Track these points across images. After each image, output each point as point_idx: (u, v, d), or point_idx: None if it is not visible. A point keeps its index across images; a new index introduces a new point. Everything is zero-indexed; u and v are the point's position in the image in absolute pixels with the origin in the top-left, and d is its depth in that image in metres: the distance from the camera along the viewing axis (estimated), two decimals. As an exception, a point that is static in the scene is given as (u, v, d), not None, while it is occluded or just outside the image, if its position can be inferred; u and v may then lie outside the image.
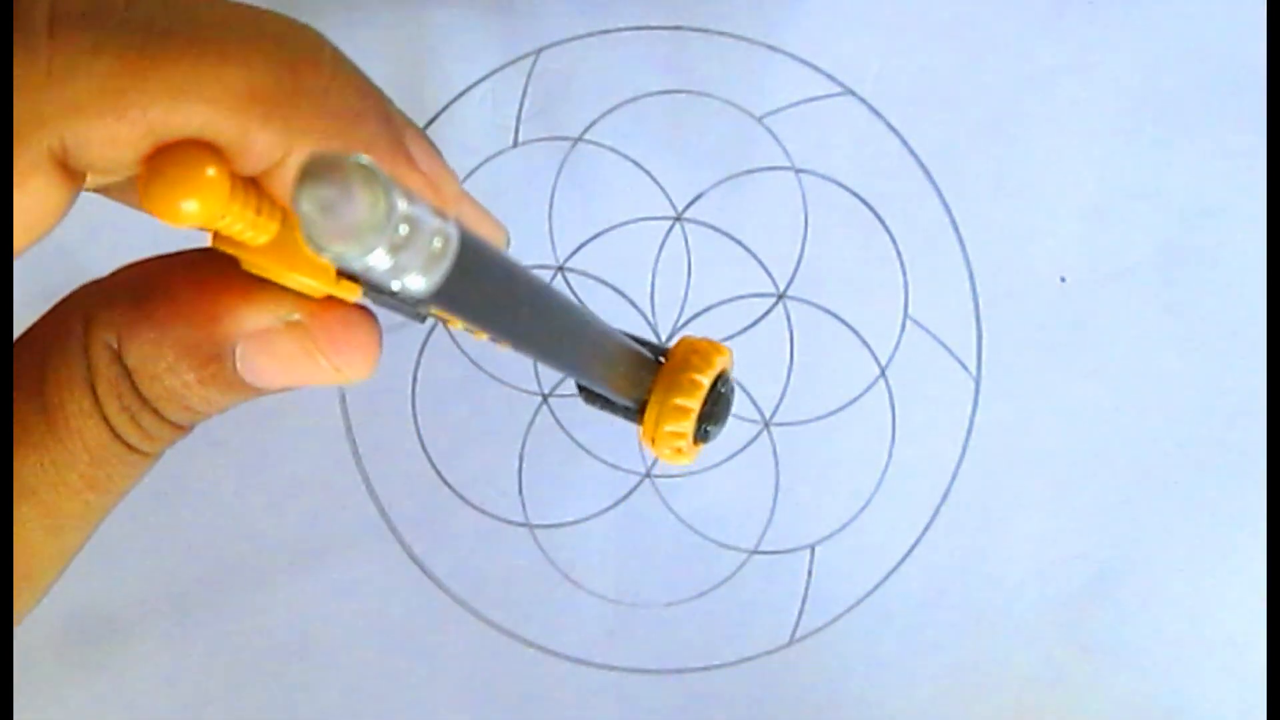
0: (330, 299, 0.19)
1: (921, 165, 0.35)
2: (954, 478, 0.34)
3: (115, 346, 0.19)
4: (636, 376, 0.23)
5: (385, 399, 0.34)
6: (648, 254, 0.34)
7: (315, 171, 0.13)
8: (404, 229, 0.13)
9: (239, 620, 0.34)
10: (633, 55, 0.34)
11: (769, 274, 0.34)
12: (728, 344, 0.35)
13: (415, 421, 0.34)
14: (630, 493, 0.34)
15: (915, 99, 0.35)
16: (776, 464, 0.34)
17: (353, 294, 0.18)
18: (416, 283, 0.14)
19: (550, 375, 0.34)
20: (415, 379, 0.34)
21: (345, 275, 0.18)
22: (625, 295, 0.34)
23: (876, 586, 0.34)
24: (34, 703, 0.33)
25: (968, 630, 0.34)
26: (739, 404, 0.34)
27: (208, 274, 0.19)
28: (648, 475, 0.34)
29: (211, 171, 0.16)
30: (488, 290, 0.17)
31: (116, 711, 0.33)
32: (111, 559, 0.33)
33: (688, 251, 0.34)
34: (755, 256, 0.34)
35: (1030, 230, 0.35)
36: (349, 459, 0.34)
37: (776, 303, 0.34)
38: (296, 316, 0.19)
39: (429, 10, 0.34)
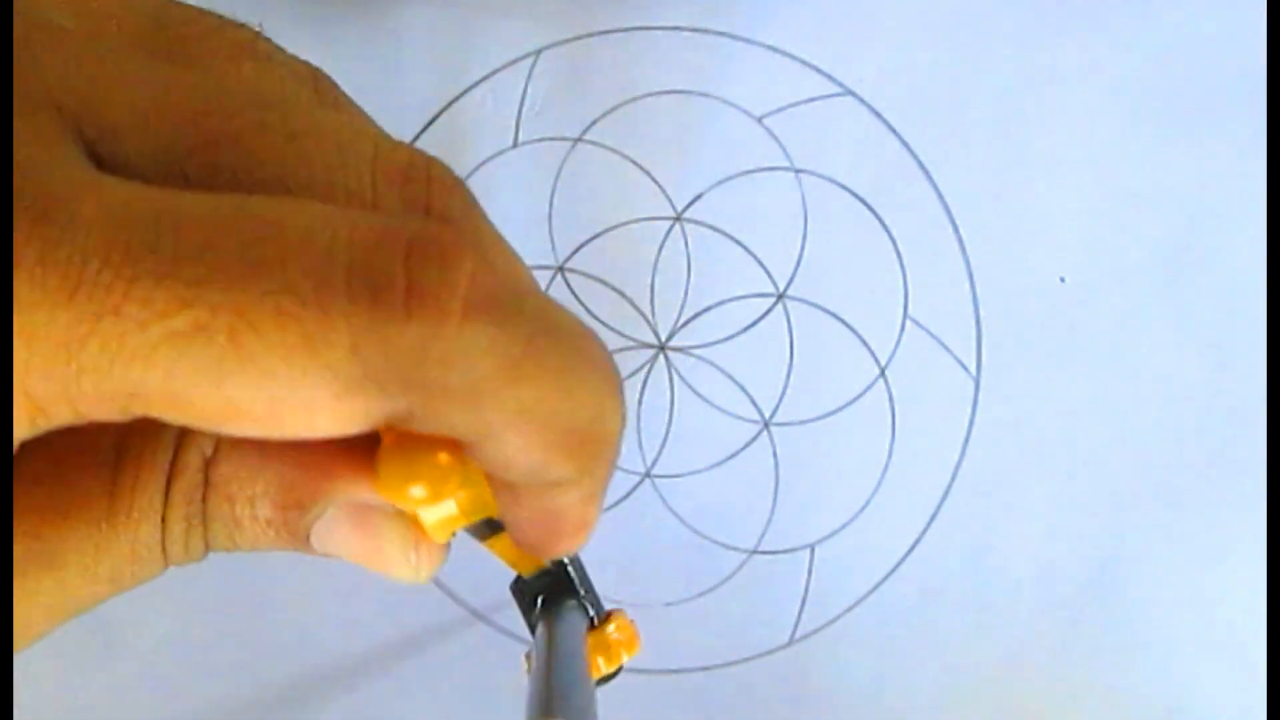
0: None
1: (921, 165, 0.35)
2: (954, 478, 0.34)
3: (208, 454, 0.18)
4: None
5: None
6: (648, 254, 0.34)
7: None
8: None
9: (239, 620, 0.33)
10: (633, 55, 0.34)
11: (769, 274, 0.34)
12: (727, 344, 0.35)
13: (415, 421, 0.34)
14: (630, 493, 0.34)
15: (915, 99, 0.35)
16: (776, 464, 0.34)
17: (446, 535, 0.19)
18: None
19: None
20: (415, 379, 0.34)
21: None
22: (625, 295, 0.34)
23: (876, 586, 0.34)
24: (34, 703, 0.33)
25: (968, 630, 0.34)
26: (739, 404, 0.34)
27: None
28: (647, 475, 0.34)
29: (444, 459, 0.16)
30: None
31: (116, 711, 0.33)
32: (111, 559, 0.33)
33: (688, 251, 0.34)
34: (755, 257, 0.34)
35: (1030, 230, 0.35)
36: (349, 459, 0.34)
37: (776, 303, 0.34)
38: (366, 501, 0.18)
39: (429, 10, 0.34)
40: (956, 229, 0.35)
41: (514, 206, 0.34)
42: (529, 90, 0.34)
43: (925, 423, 0.34)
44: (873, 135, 0.35)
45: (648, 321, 0.34)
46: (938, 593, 0.34)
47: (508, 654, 0.34)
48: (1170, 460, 0.35)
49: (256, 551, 0.19)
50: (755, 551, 0.34)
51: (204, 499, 0.18)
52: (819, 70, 0.35)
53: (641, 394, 0.34)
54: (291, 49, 0.20)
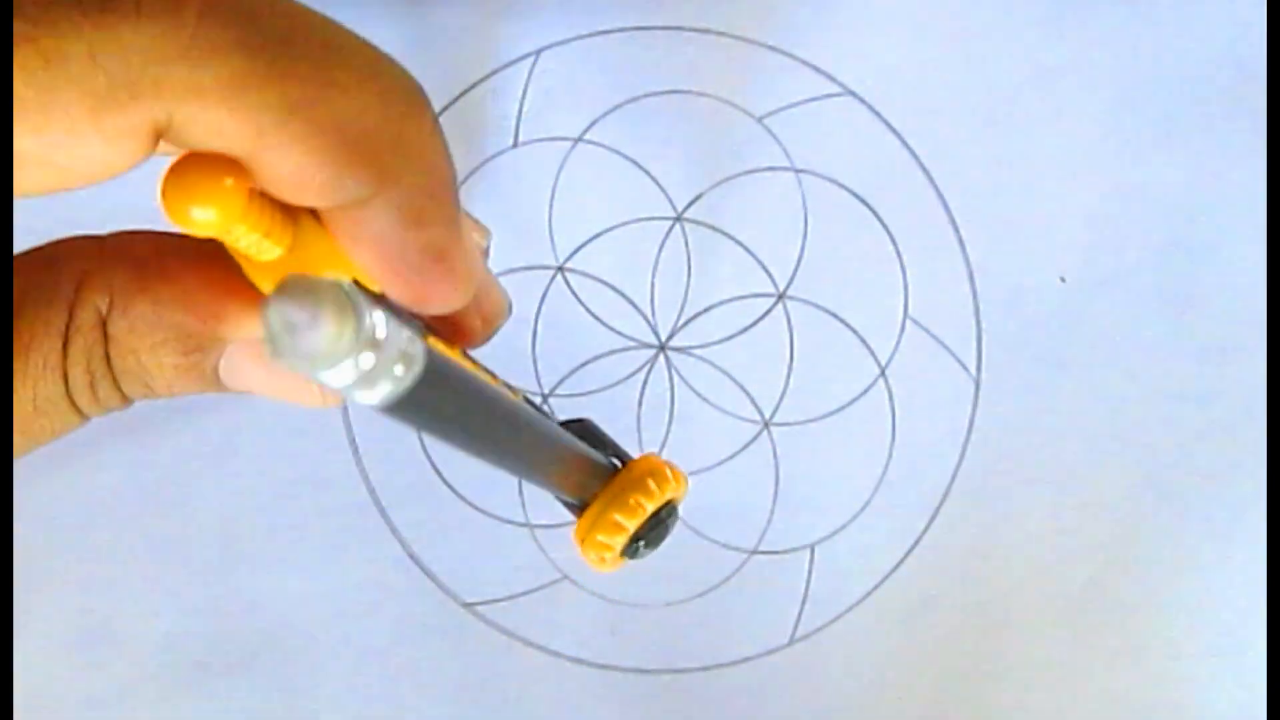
0: None
1: (921, 165, 0.35)
2: (954, 478, 0.34)
3: (103, 312, 0.18)
4: (585, 482, 0.23)
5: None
6: (648, 254, 0.34)
7: (290, 292, 0.13)
8: (367, 360, 0.14)
9: (239, 620, 0.33)
10: (633, 55, 0.34)
11: (769, 274, 0.34)
12: (727, 344, 0.35)
13: (415, 421, 0.34)
14: (630, 493, 0.34)
15: (915, 99, 0.35)
16: (776, 464, 0.34)
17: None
18: (370, 399, 0.14)
19: (550, 375, 0.34)
20: (415, 379, 0.34)
21: None
22: (625, 295, 0.34)
23: (876, 586, 0.34)
24: (34, 703, 0.33)
25: (968, 630, 0.34)
26: (739, 404, 0.34)
27: (215, 267, 0.19)
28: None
29: (229, 182, 0.16)
30: (440, 411, 0.17)
31: (116, 711, 0.33)
32: (111, 559, 0.33)
33: (688, 251, 0.34)
34: (755, 256, 0.34)
35: (1030, 230, 0.35)
36: (349, 459, 0.34)
37: (776, 303, 0.34)
38: None
39: (429, 10, 0.34)
40: (956, 229, 0.35)
41: (514, 206, 0.34)
42: (529, 90, 0.34)
43: (925, 423, 0.34)
44: (873, 135, 0.35)
45: (648, 321, 0.34)
46: (937, 593, 0.34)
47: (508, 654, 0.34)
48: (1170, 460, 0.35)
49: (174, 396, 0.20)
50: (755, 551, 0.34)
51: (106, 354, 0.18)
52: (819, 70, 0.35)
53: (642, 394, 0.34)
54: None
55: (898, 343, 0.35)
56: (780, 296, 0.34)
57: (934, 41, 0.35)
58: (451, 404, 0.17)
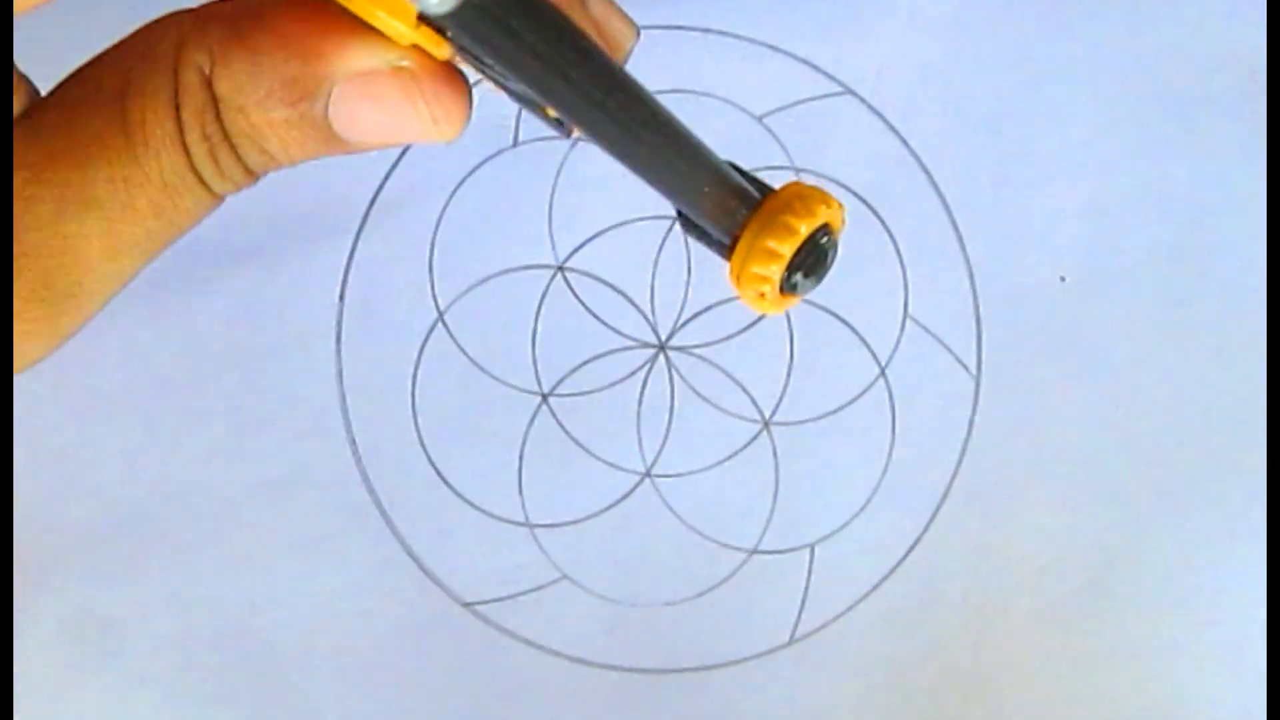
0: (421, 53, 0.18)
1: (921, 165, 0.35)
2: (954, 477, 0.34)
3: (207, 72, 0.18)
4: (728, 205, 0.21)
5: (385, 399, 0.34)
6: (648, 254, 0.34)
7: None
8: None
9: (238, 620, 0.33)
10: (632, 55, 0.34)
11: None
12: (727, 344, 0.35)
13: (415, 421, 0.34)
14: (630, 493, 0.34)
15: (915, 99, 0.35)
16: (776, 464, 0.34)
17: (439, 49, 0.18)
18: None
19: (550, 375, 0.34)
20: (415, 379, 0.34)
21: (425, 21, 0.17)
22: (625, 295, 0.34)
23: (876, 586, 0.34)
24: (34, 702, 0.33)
25: (968, 630, 0.34)
26: (739, 404, 0.34)
27: (310, 7, 0.18)
28: (647, 475, 0.34)
29: None
30: (527, 22, 0.15)
31: (116, 711, 0.33)
32: (111, 559, 0.33)
33: (688, 251, 0.34)
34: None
35: (1030, 230, 0.35)
36: (349, 459, 0.34)
37: (776, 303, 0.34)
38: (406, 62, 0.18)
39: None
40: (956, 229, 0.35)
41: (514, 206, 0.34)
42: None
43: (925, 423, 0.34)
44: (873, 135, 0.35)
45: (648, 321, 0.34)
46: (937, 593, 0.34)
47: (508, 654, 0.34)
48: (1170, 460, 0.35)
49: (294, 164, 0.19)
50: (755, 552, 0.34)
51: (218, 118, 0.18)
52: (819, 70, 0.35)
53: (641, 394, 0.34)
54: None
55: (898, 342, 0.35)
56: (780, 296, 0.34)
57: (934, 41, 0.35)
58: (536, 19, 0.16)
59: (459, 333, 0.34)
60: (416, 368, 0.34)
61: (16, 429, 0.33)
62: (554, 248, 0.34)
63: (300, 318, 0.34)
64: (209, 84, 0.18)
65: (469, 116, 0.20)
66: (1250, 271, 0.35)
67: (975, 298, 0.35)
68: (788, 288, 0.22)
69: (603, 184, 0.34)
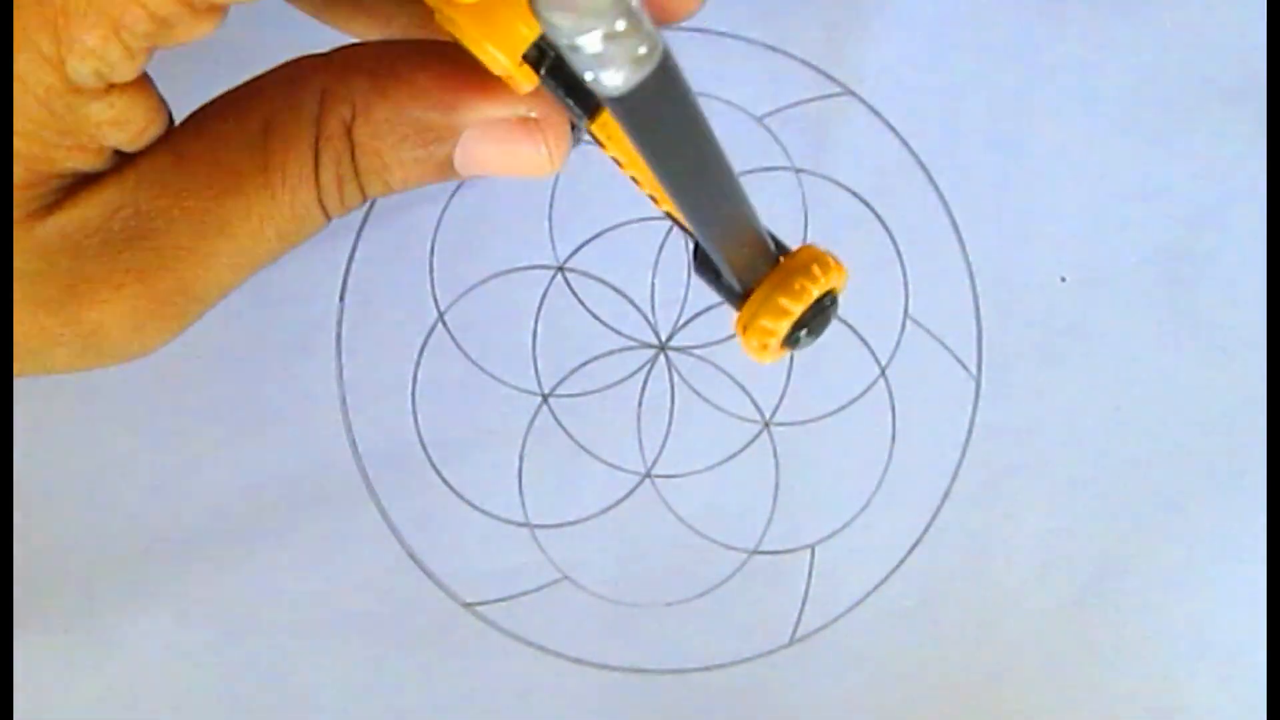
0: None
1: (921, 165, 0.35)
2: (954, 478, 0.34)
3: (348, 121, 0.20)
4: (754, 261, 0.23)
5: (385, 399, 0.34)
6: (648, 254, 0.34)
7: None
8: (623, 23, 0.14)
9: (238, 620, 0.33)
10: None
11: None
12: (727, 344, 0.35)
13: (415, 421, 0.34)
14: (630, 493, 0.34)
15: (915, 99, 0.35)
16: (776, 464, 0.34)
17: (529, 82, 0.19)
18: (614, 79, 0.14)
19: (550, 376, 0.34)
20: (415, 379, 0.34)
21: (529, 60, 0.19)
22: (625, 295, 0.34)
23: (876, 586, 0.34)
24: (34, 703, 0.33)
25: (968, 630, 0.34)
26: (739, 404, 0.34)
27: (444, 64, 0.21)
28: (648, 475, 0.34)
29: None
30: (668, 112, 0.17)
31: (116, 711, 0.33)
32: (111, 559, 0.33)
33: (688, 251, 0.34)
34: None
35: (1030, 230, 0.35)
36: (349, 459, 0.34)
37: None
38: (533, 114, 0.21)
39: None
40: (956, 229, 0.35)
41: (514, 206, 0.34)
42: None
43: (925, 423, 0.34)
44: (873, 135, 0.35)
45: (648, 321, 0.34)
46: (938, 593, 0.34)
47: (508, 654, 0.34)
48: (1170, 460, 0.35)
49: (409, 189, 0.22)
50: (755, 552, 0.34)
51: (353, 158, 0.21)
52: (819, 70, 0.35)
53: (642, 394, 0.34)
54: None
55: (898, 342, 0.35)
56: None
57: (934, 41, 0.35)
58: (678, 106, 0.17)
59: (459, 333, 0.34)
60: (416, 368, 0.34)
61: (17, 429, 0.33)
62: (554, 248, 0.34)
63: (300, 318, 0.34)
64: (349, 132, 0.20)
65: (570, 148, 0.23)
66: (1250, 271, 0.35)
67: (975, 298, 0.35)
68: (789, 342, 0.23)
69: (603, 184, 0.34)
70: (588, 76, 0.14)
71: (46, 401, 0.33)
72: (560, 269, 0.34)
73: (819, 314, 0.23)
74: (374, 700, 0.34)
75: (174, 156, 0.20)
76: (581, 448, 0.34)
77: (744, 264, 0.23)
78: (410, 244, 0.34)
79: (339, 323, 0.33)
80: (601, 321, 0.34)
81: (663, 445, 0.34)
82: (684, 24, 0.35)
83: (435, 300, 0.34)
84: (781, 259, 0.23)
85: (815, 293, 0.22)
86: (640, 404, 0.34)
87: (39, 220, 0.20)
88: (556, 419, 0.34)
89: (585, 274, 0.34)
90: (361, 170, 0.21)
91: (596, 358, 0.34)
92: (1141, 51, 0.35)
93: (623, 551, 0.34)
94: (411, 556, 0.34)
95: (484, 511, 0.34)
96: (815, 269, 0.22)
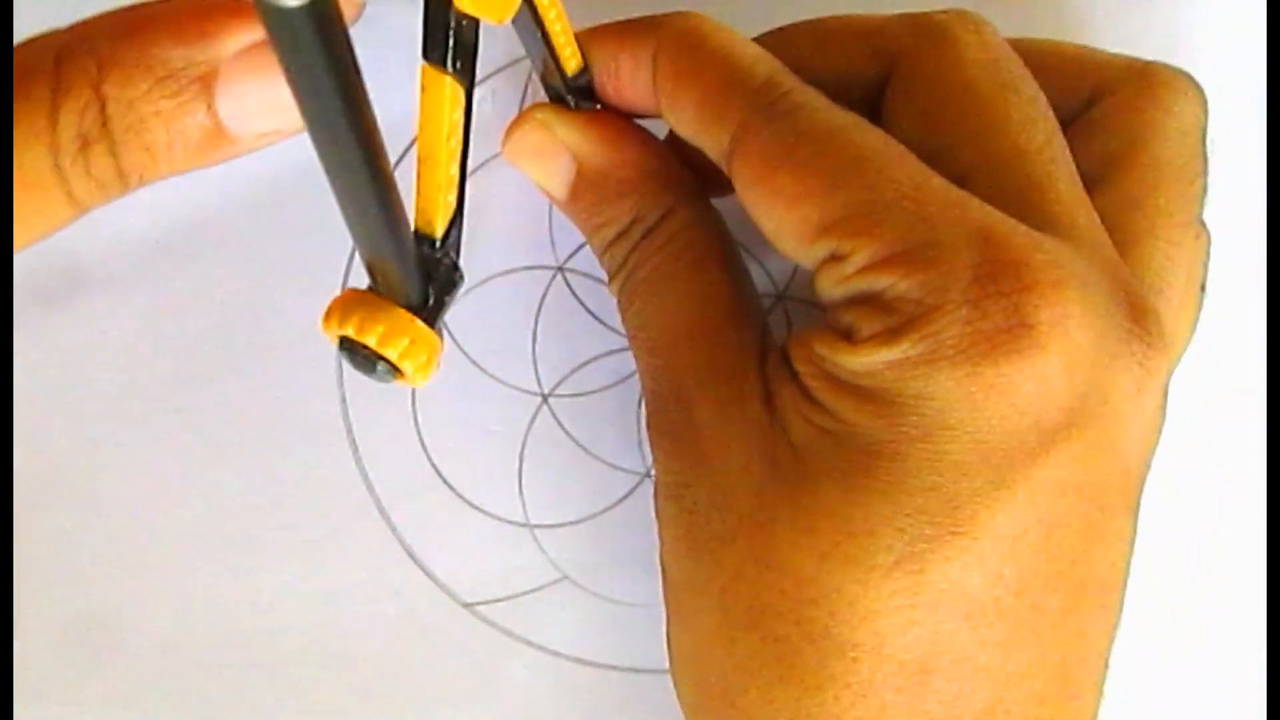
0: None
1: (921, 165, 0.35)
2: (954, 478, 0.34)
3: (94, 75, 0.18)
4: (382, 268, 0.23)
5: (385, 399, 0.34)
6: (648, 254, 0.34)
7: None
8: None
9: (238, 620, 0.34)
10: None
11: (769, 275, 0.34)
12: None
13: (415, 421, 0.34)
14: (630, 493, 0.34)
15: (915, 99, 0.35)
16: (776, 464, 0.34)
17: None
18: None
19: (550, 375, 0.34)
20: (415, 379, 0.34)
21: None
22: (625, 295, 0.34)
23: (876, 586, 0.34)
24: (34, 702, 0.33)
25: (968, 630, 0.34)
26: (739, 404, 0.34)
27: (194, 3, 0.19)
28: (648, 475, 0.34)
29: None
30: (314, 52, 0.16)
31: (117, 711, 0.33)
32: (111, 559, 0.33)
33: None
34: (755, 257, 0.34)
35: (1030, 230, 0.35)
36: (349, 459, 0.34)
37: (776, 303, 0.34)
38: None
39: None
40: (956, 229, 0.35)
41: (514, 206, 0.34)
42: (529, 90, 0.34)
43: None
44: (873, 135, 0.35)
45: (648, 321, 0.34)
46: (938, 593, 0.34)
47: (508, 654, 0.34)
48: (1170, 460, 0.35)
49: (176, 170, 0.19)
50: (755, 551, 0.34)
51: (103, 115, 0.18)
52: (819, 70, 0.35)
53: (642, 394, 0.34)
54: None
55: (898, 343, 0.34)
56: (780, 297, 0.34)
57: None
58: (324, 54, 0.17)
59: (459, 333, 0.34)
60: (416, 368, 0.34)
61: (16, 429, 0.33)
62: (554, 248, 0.34)
63: (300, 318, 0.34)
64: (96, 87, 0.18)
65: None
66: (1250, 271, 0.35)
67: (975, 298, 0.35)
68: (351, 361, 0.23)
69: (603, 184, 0.34)
70: None
71: (47, 401, 0.33)
72: (560, 269, 0.34)
73: (351, 352, 0.23)
74: (374, 700, 0.34)
75: None
76: (581, 448, 0.34)
77: (364, 252, 0.22)
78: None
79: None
80: (601, 321, 0.34)
81: (663, 445, 0.34)
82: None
83: (435, 300, 0.34)
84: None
85: (334, 328, 0.22)
86: (640, 404, 0.34)
87: None
88: (556, 419, 0.34)
89: (585, 274, 0.34)
90: (116, 131, 0.18)
91: (596, 358, 0.34)
92: (1141, 52, 0.35)
93: (623, 551, 0.34)
94: (411, 557, 0.34)
95: (484, 511, 0.34)
96: (333, 311, 0.22)
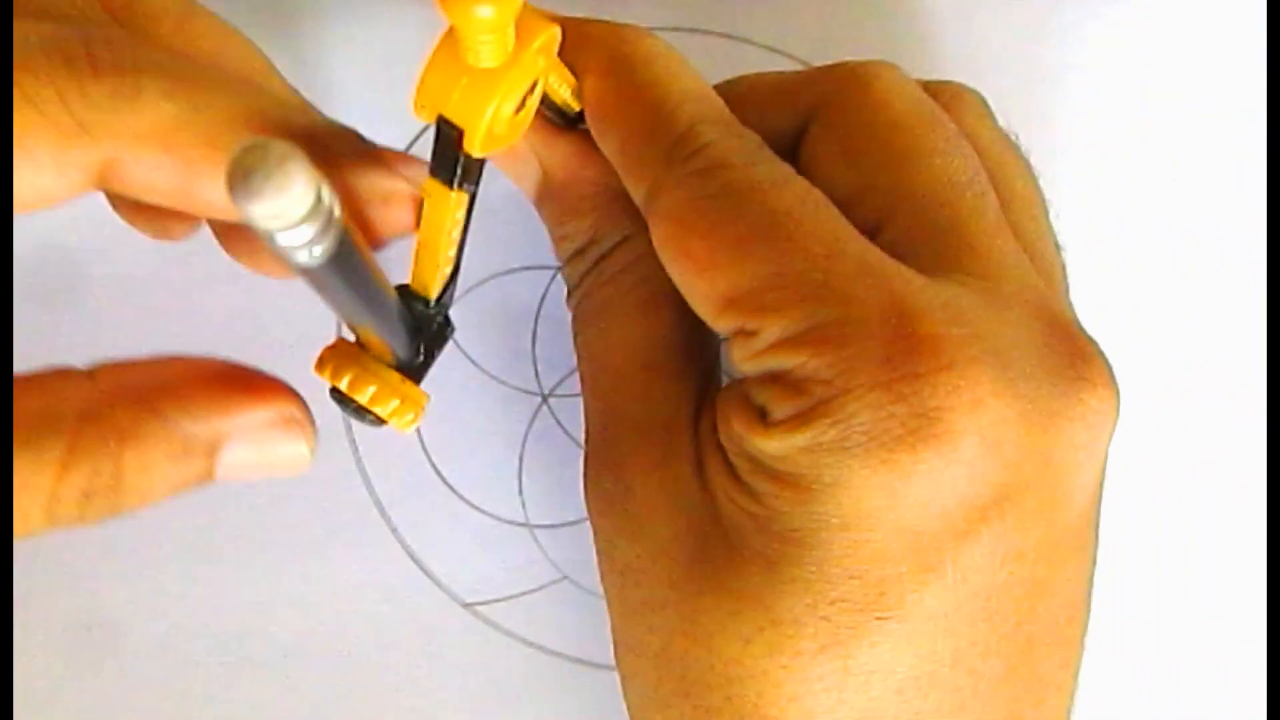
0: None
1: (921, 165, 0.35)
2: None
3: (113, 447, 0.20)
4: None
5: (385, 399, 0.34)
6: (648, 254, 0.34)
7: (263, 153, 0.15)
8: (314, 228, 0.16)
9: (238, 620, 0.34)
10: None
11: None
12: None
13: (415, 421, 0.34)
14: (630, 493, 0.34)
15: (915, 99, 0.35)
16: (776, 464, 0.34)
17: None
18: (301, 258, 0.16)
19: (550, 375, 0.34)
20: (415, 379, 0.34)
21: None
22: (625, 295, 0.34)
23: (876, 586, 0.34)
24: (34, 703, 0.33)
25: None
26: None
27: (206, 372, 0.21)
28: (648, 475, 0.34)
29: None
30: (343, 273, 0.18)
31: (117, 711, 0.33)
32: (111, 559, 0.33)
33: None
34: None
35: (1030, 230, 0.35)
36: (349, 459, 0.34)
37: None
38: (296, 413, 0.21)
39: (430, 10, 0.34)
40: (956, 229, 0.35)
41: (514, 207, 0.34)
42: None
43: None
44: (873, 135, 0.35)
45: (648, 321, 0.34)
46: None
47: (508, 654, 0.34)
48: (1170, 460, 0.35)
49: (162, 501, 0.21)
50: (755, 551, 0.34)
51: (118, 475, 0.20)
52: (819, 70, 0.35)
53: (641, 394, 0.34)
54: (286, 50, 0.21)
55: (898, 343, 0.34)
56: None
57: (934, 41, 0.35)
58: (352, 271, 0.18)
59: (459, 333, 0.34)
60: (416, 368, 0.34)
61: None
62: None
63: (300, 318, 0.34)
64: (116, 458, 0.20)
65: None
66: (1250, 271, 0.35)
67: (975, 298, 0.35)
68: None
69: (603, 184, 0.34)
70: (294, 254, 0.16)
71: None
72: (560, 269, 0.34)
73: (342, 401, 0.24)
74: (374, 700, 0.34)
75: None
76: (581, 448, 0.34)
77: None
78: (410, 244, 0.34)
79: (339, 323, 0.33)
80: (601, 321, 0.34)
81: (663, 445, 0.34)
82: (683, 25, 0.35)
83: (435, 300, 0.34)
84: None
85: (327, 378, 0.24)
86: (640, 404, 0.34)
87: None
88: (556, 419, 0.34)
89: (585, 274, 0.34)
90: (121, 491, 0.21)
91: (596, 358, 0.34)
92: (1142, 51, 0.35)
93: (623, 551, 0.34)
94: (411, 557, 0.34)
95: (484, 511, 0.34)
96: (325, 363, 0.24)
